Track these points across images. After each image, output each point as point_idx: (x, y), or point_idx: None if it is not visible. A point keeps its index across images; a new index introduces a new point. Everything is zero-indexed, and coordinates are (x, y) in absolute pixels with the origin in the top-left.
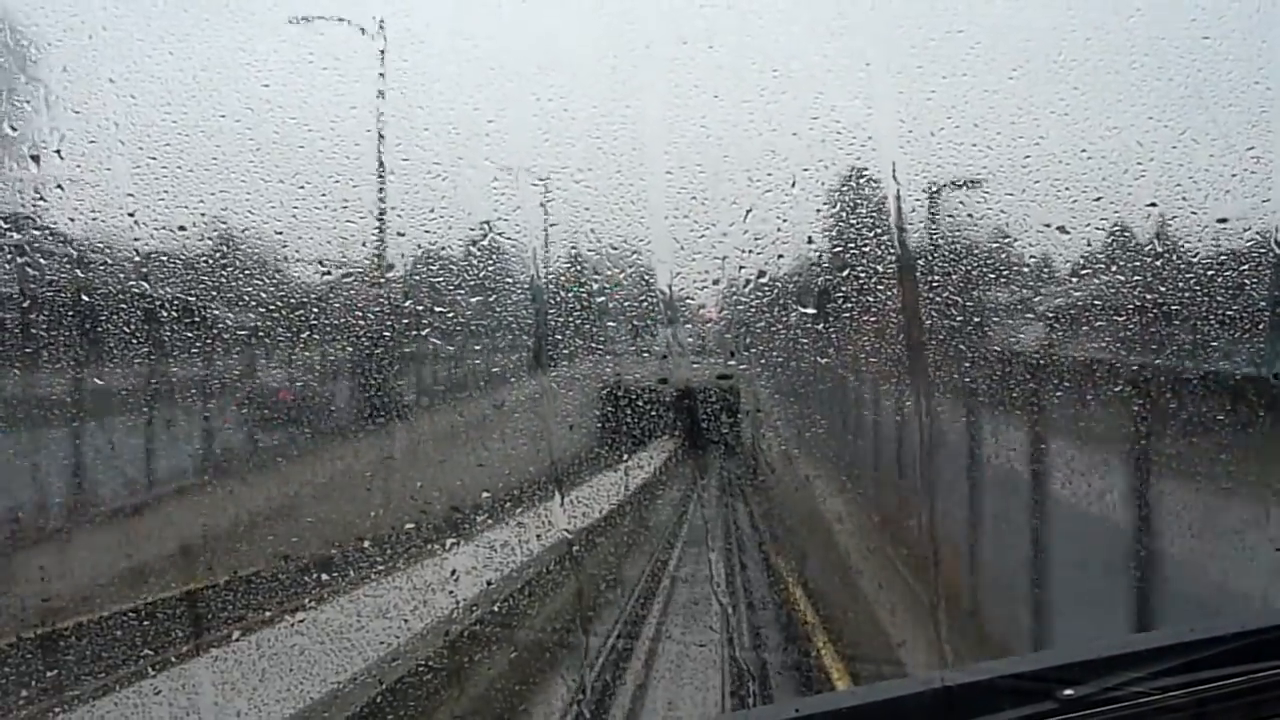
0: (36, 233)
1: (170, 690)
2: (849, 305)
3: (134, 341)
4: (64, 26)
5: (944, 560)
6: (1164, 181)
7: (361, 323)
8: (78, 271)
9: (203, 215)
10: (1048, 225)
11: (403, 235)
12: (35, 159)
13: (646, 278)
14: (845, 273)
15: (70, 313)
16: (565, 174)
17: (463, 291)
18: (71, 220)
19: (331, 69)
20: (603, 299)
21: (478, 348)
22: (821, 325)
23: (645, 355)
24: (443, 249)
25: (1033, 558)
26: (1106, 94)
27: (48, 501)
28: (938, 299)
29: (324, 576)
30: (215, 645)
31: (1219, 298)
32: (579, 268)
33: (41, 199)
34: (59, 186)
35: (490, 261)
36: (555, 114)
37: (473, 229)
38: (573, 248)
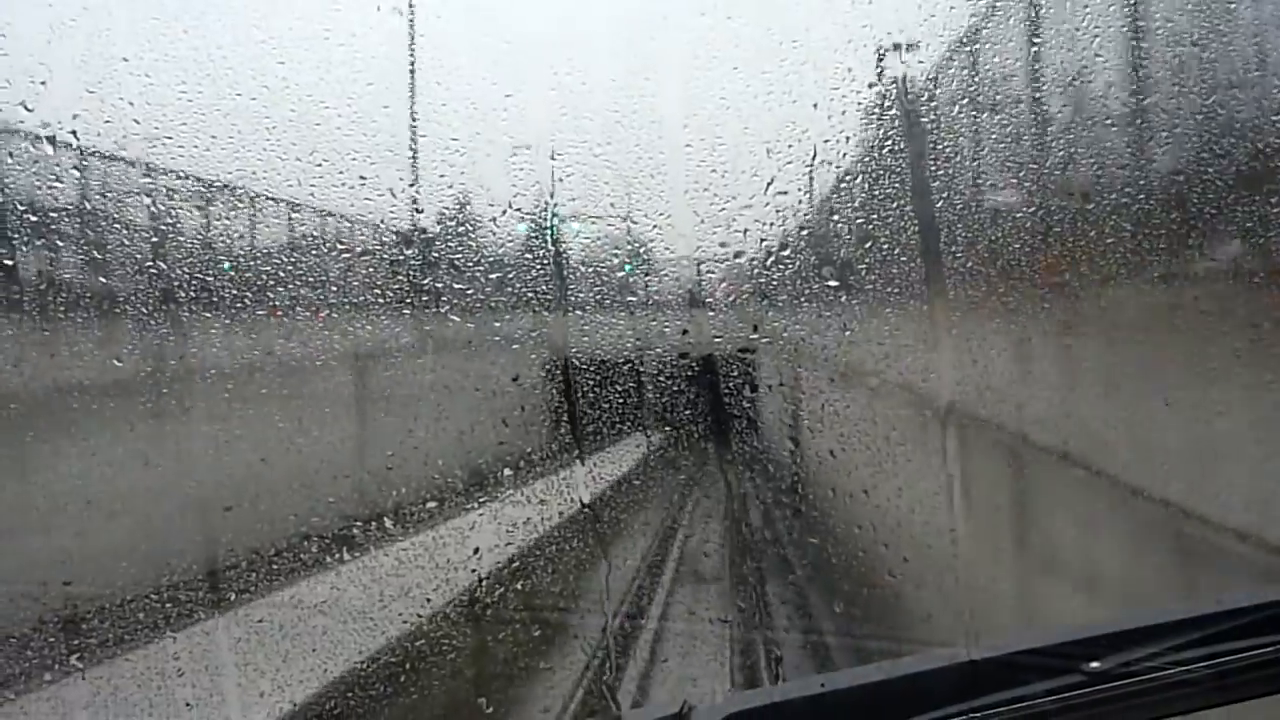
0: (53, 214)
1: (193, 671)
2: (873, 277)
3: (152, 322)
4: (79, 6)
5: (968, 537)
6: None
7: (381, 300)
8: (94, 253)
9: (220, 195)
10: (1070, 194)
11: (421, 212)
12: (51, 140)
13: (667, 252)
14: (869, 245)
15: (87, 294)
16: (584, 148)
17: (481, 269)
18: (87, 201)
19: (347, 45)
20: (623, 274)
21: (497, 324)
22: (845, 297)
23: (667, 330)
24: (461, 226)
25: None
26: (1120, 61)
27: (64, 485)
28: (961, 268)
29: (345, 555)
30: (235, 626)
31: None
32: (599, 243)
33: (57, 180)
34: (75, 168)
35: (509, 238)
36: (573, 88)
37: (492, 205)
38: (592, 222)
